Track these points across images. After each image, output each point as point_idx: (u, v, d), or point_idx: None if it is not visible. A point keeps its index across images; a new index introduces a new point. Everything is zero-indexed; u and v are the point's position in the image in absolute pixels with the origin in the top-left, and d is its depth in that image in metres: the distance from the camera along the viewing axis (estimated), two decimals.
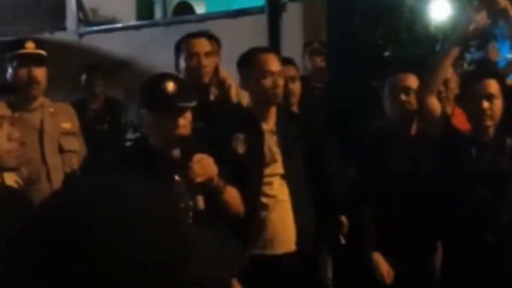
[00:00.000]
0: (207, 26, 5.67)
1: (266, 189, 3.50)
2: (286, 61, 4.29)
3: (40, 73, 3.73)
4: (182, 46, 3.87)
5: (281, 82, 3.58)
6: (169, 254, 0.82)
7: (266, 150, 3.52)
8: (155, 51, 7.00)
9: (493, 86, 3.43)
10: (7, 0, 8.37)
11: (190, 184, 2.93)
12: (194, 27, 5.19)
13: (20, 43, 3.78)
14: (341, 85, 5.48)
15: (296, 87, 4.50)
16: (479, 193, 3.35)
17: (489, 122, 3.41)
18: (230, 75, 3.91)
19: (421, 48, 5.71)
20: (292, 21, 6.60)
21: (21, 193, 2.86)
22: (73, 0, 8.11)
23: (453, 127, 3.65)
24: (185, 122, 2.96)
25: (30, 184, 3.44)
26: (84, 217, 0.85)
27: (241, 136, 3.50)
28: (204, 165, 2.96)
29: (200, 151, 2.99)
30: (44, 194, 3.62)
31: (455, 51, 3.63)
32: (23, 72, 3.71)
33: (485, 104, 3.38)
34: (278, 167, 3.54)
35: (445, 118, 3.69)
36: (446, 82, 3.84)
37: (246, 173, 3.43)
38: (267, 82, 3.51)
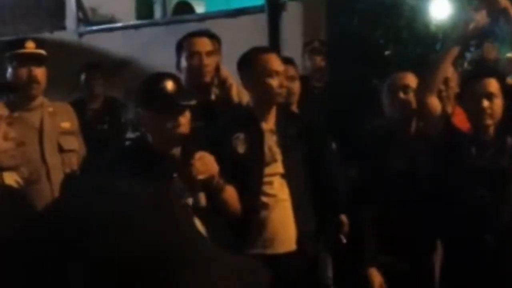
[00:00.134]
0: (207, 25, 5.66)
1: (266, 188, 3.50)
2: (285, 61, 4.29)
3: (40, 72, 3.73)
4: (184, 45, 3.87)
5: (285, 81, 3.60)
6: (168, 256, 0.82)
7: (266, 149, 3.52)
8: (154, 51, 7.00)
9: (493, 85, 3.42)
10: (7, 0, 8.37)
11: (192, 182, 2.94)
12: (193, 27, 5.18)
13: (20, 43, 3.78)
14: (341, 84, 5.48)
15: (295, 86, 4.51)
16: (479, 192, 3.35)
17: (489, 121, 3.40)
18: (231, 74, 3.91)
19: (421, 47, 5.71)
20: (292, 21, 6.60)
21: (21, 192, 2.86)
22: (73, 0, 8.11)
23: (453, 126, 3.64)
24: (185, 121, 2.97)
25: (30, 184, 3.44)
26: (82, 218, 0.85)
27: (241, 135, 3.50)
28: (206, 163, 2.98)
29: (200, 150, 3.00)
30: (44, 194, 3.62)
31: (455, 50, 3.63)
32: (23, 71, 3.70)
33: (485, 103, 3.38)
34: (278, 167, 3.54)
35: (445, 117, 3.68)
36: (446, 81, 3.84)
37: (247, 172, 3.44)
38: (272, 81, 3.52)
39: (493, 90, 3.41)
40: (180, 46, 3.90)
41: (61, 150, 3.78)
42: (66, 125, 3.86)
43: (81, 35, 8.04)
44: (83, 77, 6.21)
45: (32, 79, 3.70)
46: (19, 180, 3.02)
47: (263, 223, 3.49)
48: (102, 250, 0.80)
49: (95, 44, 7.77)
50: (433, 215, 3.54)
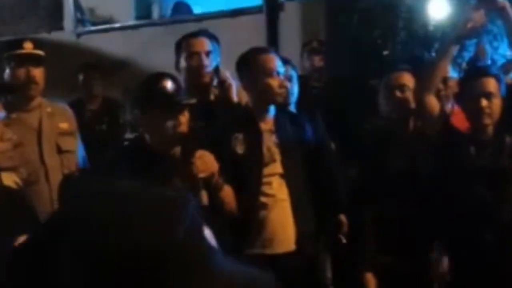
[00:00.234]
0: (205, 25, 5.65)
1: (265, 188, 3.50)
2: (283, 61, 4.29)
3: (38, 73, 3.72)
4: (183, 45, 3.88)
5: (284, 81, 3.62)
6: (167, 259, 0.81)
7: (265, 149, 3.52)
8: (153, 51, 6.99)
9: (491, 84, 3.42)
10: (5, 0, 8.36)
11: (193, 180, 2.95)
12: (191, 27, 5.18)
13: (18, 43, 3.77)
14: (340, 84, 5.48)
15: (293, 86, 4.50)
16: (479, 191, 3.35)
17: (487, 121, 3.40)
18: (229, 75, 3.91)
19: (419, 47, 5.71)
20: (290, 21, 6.59)
21: (19, 193, 2.86)
22: (71, 0, 8.10)
23: (452, 126, 3.64)
24: (184, 120, 2.99)
25: (29, 185, 3.44)
26: (82, 218, 0.84)
27: (240, 136, 3.50)
28: (206, 161, 3.00)
29: (200, 149, 3.01)
30: (43, 195, 3.62)
31: (453, 50, 3.63)
32: (21, 72, 3.70)
33: (484, 102, 3.38)
34: (277, 167, 3.54)
35: (444, 116, 3.68)
36: (445, 81, 3.84)
37: (245, 172, 3.44)
38: (272, 81, 3.52)
39: (492, 89, 3.41)
40: (179, 47, 3.90)
41: (59, 151, 3.78)
42: (64, 125, 3.85)
43: (79, 35, 8.03)
44: (81, 77, 6.20)
45: (30, 80, 3.70)
46: (18, 181, 3.02)
47: (262, 223, 3.49)
48: (102, 250, 0.80)
49: (93, 45, 7.76)
50: (433, 214, 3.54)
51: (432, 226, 3.59)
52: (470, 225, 3.36)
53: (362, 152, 3.96)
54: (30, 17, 8.19)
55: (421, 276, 3.69)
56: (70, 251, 0.81)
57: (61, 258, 0.81)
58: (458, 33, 3.72)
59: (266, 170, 3.51)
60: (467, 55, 5.67)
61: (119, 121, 6.08)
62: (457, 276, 3.46)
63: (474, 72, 3.71)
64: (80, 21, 8.12)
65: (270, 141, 3.55)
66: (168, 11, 7.99)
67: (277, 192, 3.52)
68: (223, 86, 3.85)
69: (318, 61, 5.49)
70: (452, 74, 4.06)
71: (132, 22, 7.97)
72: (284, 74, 3.84)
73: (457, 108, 3.83)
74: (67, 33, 8.06)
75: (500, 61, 5.79)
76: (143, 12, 8.18)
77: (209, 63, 3.82)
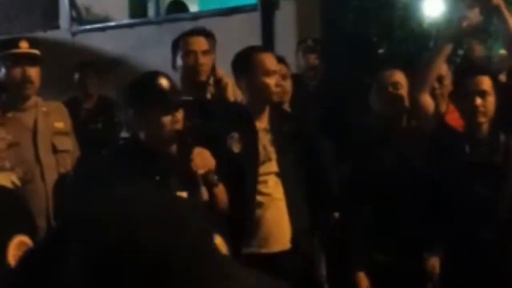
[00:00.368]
0: (200, 24, 5.65)
1: (261, 187, 3.51)
2: (277, 59, 4.30)
3: (34, 72, 3.72)
4: (180, 44, 3.88)
5: (280, 80, 3.63)
6: (173, 265, 0.81)
7: (260, 148, 3.53)
8: (148, 50, 6.98)
9: (486, 82, 3.43)
10: None
11: (192, 176, 2.98)
12: (187, 25, 5.18)
13: (14, 43, 3.77)
14: (335, 82, 5.48)
15: (287, 85, 4.51)
16: (474, 190, 3.35)
17: (482, 119, 3.41)
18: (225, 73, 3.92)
19: (414, 45, 5.72)
20: (285, 19, 6.59)
21: (14, 192, 2.86)
22: None
23: (446, 124, 3.65)
24: (180, 117, 3.00)
25: (24, 184, 3.44)
26: (86, 218, 0.85)
27: (236, 135, 3.51)
28: (204, 158, 3.01)
29: (197, 146, 3.04)
30: (38, 194, 3.62)
31: (448, 48, 3.64)
32: (17, 71, 3.70)
33: (478, 100, 3.39)
34: (273, 166, 3.55)
35: (438, 115, 3.69)
36: (440, 79, 3.85)
37: (242, 171, 3.45)
38: (269, 80, 3.53)
39: (486, 87, 3.42)
40: (176, 45, 3.90)
41: (55, 150, 3.78)
42: (59, 125, 3.85)
43: (74, 34, 8.02)
44: (76, 76, 6.20)
45: (26, 79, 3.69)
46: (16, 180, 3.03)
47: (258, 222, 3.49)
48: (109, 252, 0.80)
49: (88, 43, 7.76)
50: (427, 212, 3.55)
51: (427, 224, 3.60)
52: (466, 223, 3.37)
53: (354, 151, 3.96)
54: (26, 15, 8.17)
55: (416, 275, 3.69)
56: (77, 253, 0.81)
57: (67, 260, 0.81)
58: (453, 32, 3.73)
59: (262, 169, 3.52)
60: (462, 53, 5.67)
61: (115, 120, 6.07)
62: (455, 274, 3.46)
63: (469, 71, 3.72)
64: (75, 20, 8.11)
65: (265, 140, 3.56)
66: (164, 10, 7.98)
67: (273, 191, 3.53)
68: (220, 84, 3.85)
69: (313, 59, 5.49)
70: None
71: (127, 20, 7.97)
72: (279, 73, 3.85)
73: (452, 107, 3.84)
74: (62, 31, 8.05)
75: (495, 59, 5.80)
76: (139, 10, 8.17)
77: (206, 62, 3.82)
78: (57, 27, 8.15)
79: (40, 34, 7.62)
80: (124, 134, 6.04)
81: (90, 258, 0.80)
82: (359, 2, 6.04)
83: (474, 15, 3.64)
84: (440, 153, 3.54)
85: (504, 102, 3.51)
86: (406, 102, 3.74)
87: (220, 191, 3.18)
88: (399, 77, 3.78)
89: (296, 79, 4.87)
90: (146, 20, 7.85)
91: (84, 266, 0.80)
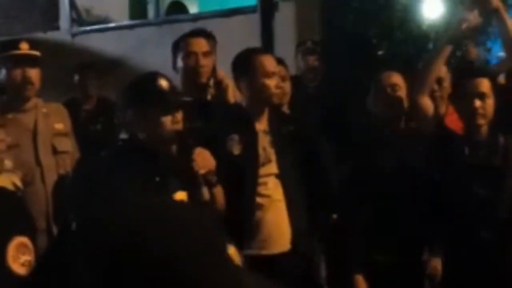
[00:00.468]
0: (200, 25, 5.66)
1: (261, 189, 3.51)
2: (276, 61, 4.30)
3: (34, 73, 3.72)
4: (180, 45, 3.88)
5: (280, 82, 3.64)
6: (182, 274, 0.80)
7: (260, 150, 3.53)
8: (148, 51, 7.00)
9: (485, 84, 3.43)
10: (0, 0, 8.35)
11: (194, 177, 2.99)
12: (187, 27, 5.18)
13: (14, 44, 3.77)
14: (335, 84, 5.48)
15: (286, 87, 4.51)
16: (474, 191, 3.36)
17: (481, 121, 3.41)
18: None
19: (414, 47, 5.73)
20: (285, 21, 6.60)
21: (13, 193, 2.85)
22: (66, 0, 8.10)
23: (446, 127, 3.65)
24: (180, 118, 3.01)
25: (24, 185, 3.43)
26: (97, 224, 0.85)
27: (235, 137, 3.51)
28: (205, 158, 3.03)
29: (197, 147, 3.06)
30: (38, 196, 3.62)
31: (447, 50, 3.65)
32: (17, 72, 3.70)
33: (477, 103, 3.39)
34: (272, 167, 3.55)
35: (438, 117, 3.70)
36: (440, 81, 3.85)
37: (242, 173, 3.45)
38: (269, 82, 3.54)
39: (485, 89, 3.43)
40: (176, 46, 3.90)
41: (55, 151, 3.78)
42: (59, 126, 3.86)
43: (74, 35, 8.03)
44: (76, 77, 6.20)
45: (26, 80, 3.69)
46: (18, 182, 3.02)
47: (258, 224, 3.50)
48: (109, 255, 0.80)
49: (88, 44, 7.76)
50: (426, 213, 3.55)
51: (426, 225, 3.60)
52: (466, 224, 3.37)
53: (354, 151, 3.96)
54: (26, 16, 8.18)
55: (415, 275, 3.70)
56: (90, 257, 0.81)
57: (75, 263, 0.81)
58: (453, 34, 3.74)
59: (262, 171, 3.52)
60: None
61: (114, 121, 6.08)
62: (455, 275, 3.46)
63: (468, 73, 3.72)
64: (75, 21, 8.11)
65: (265, 142, 3.56)
66: (163, 11, 7.99)
67: (272, 193, 3.53)
68: (220, 86, 3.85)
69: (313, 61, 5.49)
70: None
71: (127, 22, 7.98)
72: (279, 75, 3.85)
73: (451, 109, 3.84)
74: (62, 33, 8.06)
75: (494, 61, 5.81)
76: (139, 12, 8.18)
77: (207, 63, 3.83)
78: (57, 28, 8.16)
79: (40, 35, 7.63)
80: (123, 135, 6.05)
81: (97, 266, 0.80)
82: (359, 4, 6.05)
83: (474, 17, 3.64)
84: (440, 155, 3.54)
85: (503, 104, 3.51)
86: (405, 104, 3.75)
87: (218, 191, 3.19)
88: (397, 79, 3.79)
89: (295, 80, 4.87)
90: (146, 21, 7.86)
91: (91, 271, 0.80)
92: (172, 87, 3.07)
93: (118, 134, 5.96)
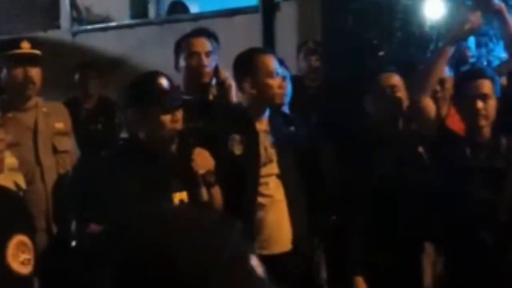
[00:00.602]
0: (201, 25, 5.66)
1: (262, 189, 3.51)
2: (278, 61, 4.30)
3: (35, 73, 3.72)
4: (182, 45, 3.88)
5: (283, 82, 3.64)
6: None
7: (262, 150, 3.53)
8: (149, 50, 6.99)
9: (486, 86, 3.43)
10: None
11: (193, 176, 2.99)
12: (188, 26, 5.17)
13: (16, 43, 3.77)
14: (336, 84, 5.48)
15: (287, 87, 4.50)
16: (475, 193, 3.35)
17: (483, 122, 3.41)
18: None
19: (415, 48, 5.72)
20: (286, 21, 6.59)
21: (13, 192, 2.85)
22: None
23: (447, 128, 3.65)
24: (180, 117, 3.01)
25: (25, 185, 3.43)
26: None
27: (237, 137, 3.51)
28: (204, 158, 3.03)
29: (197, 147, 3.06)
30: (39, 195, 3.62)
31: (450, 51, 3.64)
32: (18, 72, 3.69)
33: (479, 104, 3.38)
34: (274, 167, 3.55)
35: (439, 118, 3.69)
36: (442, 82, 3.84)
37: (243, 173, 3.45)
38: (273, 82, 3.54)
39: (487, 91, 3.42)
40: (179, 46, 3.90)
41: (55, 151, 3.78)
42: (60, 125, 3.86)
43: (75, 34, 8.02)
44: (77, 76, 6.20)
45: (28, 80, 3.69)
46: (21, 182, 3.02)
47: (259, 224, 3.49)
48: (146, 266, 0.79)
49: (89, 44, 7.76)
50: (423, 215, 3.54)
51: (422, 226, 3.59)
52: (466, 226, 3.36)
53: (353, 153, 3.95)
54: (26, 15, 8.18)
55: (415, 275, 3.69)
56: (115, 266, 0.80)
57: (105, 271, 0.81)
58: (455, 34, 3.73)
59: (263, 171, 3.52)
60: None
61: (115, 121, 6.08)
62: (455, 277, 3.46)
63: (469, 74, 3.71)
64: (76, 20, 8.11)
65: (266, 142, 3.56)
66: (164, 11, 7.98)
67: (274, 193, 3.53)
68: (223, 86, 3.85)
69: (314, 61, 5.49)
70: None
71: (128, 21, 7.97)
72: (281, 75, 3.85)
73: (453, 110, 3.83)
74: (63, 31, 8.06)
75: (495, 62, 5.81)
76: (139, 11, 8.17)
77: (209, 63, 3.82)
78: (57, 27, 8.16)
79: (40, 34, 7.62)
80: (124, 135, 6.05)
81: (131, 273, 0.79)
82: (360, 4, 6.05)
83: (476, 18, 3.63)
84: (441, 156, 3.54)
85: (505, 106, 3.51)
86: (404, 105, 3.74)
87: (216, 192, 3.19)
88: (397, 80, 3.78)
89: (296, 81, 4.86)
90: (147, 20, 7.85)
91: (126, 280, 0.79)
92: (172, 86, 3.07)
93: (118, 134, 5.98)
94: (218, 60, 3.95)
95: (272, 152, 3.55)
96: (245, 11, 6.94)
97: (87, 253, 3.02)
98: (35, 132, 3.74)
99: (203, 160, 3.06)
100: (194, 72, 3.80)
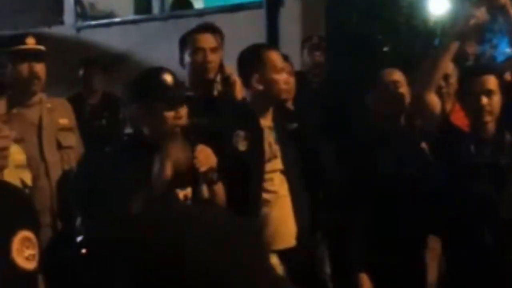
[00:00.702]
0: (205, 20, 5.65)
1: (267, 185, 3.51)
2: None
3: (40, 68, 3.73)
4: (188, 40, 3.88)
5: (289, 78, 3.65)
6: None
7: (266, 146, 3.53)
8: (153, 46, 6.99)
9: (491, 81, 3.42)
10: None
11: (195, 173, 2.98)
12: (192, 22, 5.17)
13: (21, 39, 3.77)
14: (339, 79, 5.47)
15: (291, 82, 4.50)
16: (479, 189, 3.34)
17: (488, 118, 3.40)
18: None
19: (420, 43, 5.70)
20: (290, 16, 6.59)
21: (18, 188, 2.85)
22: None
23: (452, 124, 3.64)
24: (184, 113, 3.01)
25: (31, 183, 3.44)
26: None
27: (241, 133, 3.51)
28: (206, 155, 3.02)
29: (200, 143, 3.05)
30: (43, 191, 3.62)
31: (454, 46, 3.63)
32: (24, 67, 3.70)
33: (484, 100, 3.38)
34: (278, 163, 3.55)
35: (444, 114, 3.68)
36: (446, 78, 3.83)
37: (248, 169, 3.45)
38: (279, 77, 3.54)
39: (492, 86, 3.41)
40: (183, 42, 3.90)
41: (59, 146, 3.79)
42: (64, 121, 3.86)
43: (79, 30, 8.03)
44: (81, 72, 6.20)
45: (33, 75, 3.70)
46: (27, 180, 3.02)
47: (264, 220, 3.49)
48: (170, 270, 0.79)
49: (93, 39, 7.76)
50: (424, 212, 3.54)
51: (424, 224, 3.59)
52: (470, 224, 3.36)
53: (353, 151, 3.94)
54: (30, 11, 8.18)
55: (415, 275, 3.68)
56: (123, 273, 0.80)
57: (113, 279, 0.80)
58: (460, 30, 3.72)
59: (268, 167, 3.52)
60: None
61: (119, 116, 6.08)
62: (455, 275, 3.45)
63: (474, 70, 3.70)
64: (80, 16, 8.11)
65: (271, 138, 3.56)
66: (168, 6, 7.98)
67: (278, 189, 3.53)
68: (228, 82, 3.85)
69: (318, 56, 5.49)
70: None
71: (132, 16, 7.97)
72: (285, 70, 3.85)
73: (457, 106, 3.83)
74: (67, 27, 8.06)
75: (500, 58, 5.79)
76: (143, 6, 8.17)
77: (214, 59, 3.82)
78: (61, 22, 8.16)
79: (44, 29, 7.62)
80: (128, 131, 6.05)
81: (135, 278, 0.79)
82: (364, 0, 6.03)
83: (481, 14, 3.62)
84: (445, 153, 3.53)
85: (510, 101, 3.50)
86: (406, 101, 3.74)
87: (219, 188, 3.19)
88: (399, 76, 3.78)
89: (300, 76, 4.86)
90: (151, 16, 7.85)
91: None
92: (176, 82, 3.07)
93: (122, 129, 5.98)
94: (223, 56, 3.95)
95: (276, 148, 3.55)
96: (249, 6, 6.93)
97: (96, 251, 3.02)
98: (39, 128, 3.74)
99: (205, 157, 3.06)
100: (199, 68, 3.80)
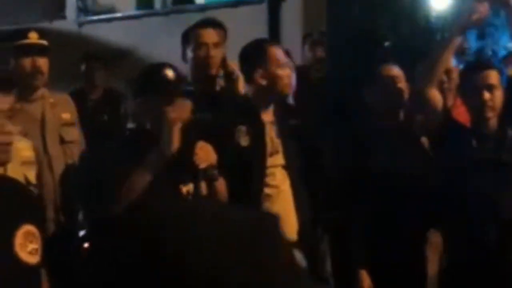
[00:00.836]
0: (207, 15, 5.65)
1: (269, 180, 3.51)
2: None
3: (43, 63, 3.74)
4: (190, 36, 3.88)
5: (291, 73, 3.65)
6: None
7: (268, 141, 3.53)
8: (154, 41, 6.99)
9: (493, 76, 3.42)
10: None
11: (195, 170, 2.99)
12: (194, 17, 5.17)
13: (24, 33, 3.78)
14: (341, 75, 5.47)
15: (293, 78, 4.50)
16: (481, 185, 3.34)
17: (490, 114, 3.39)
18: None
19: (421, 38, 5.70)
20: (292, 11, 6.59)
21: (21, 183, 2.85)
22: None
23: (453, 119, 3.63)
24: (186, 108, 3.01)
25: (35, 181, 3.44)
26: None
27: (243, 128, 3.51)
28: (206, 152, 3.02)
29: (201, 140, 3.05)
30: (46, 186, 3.63)
31: (456, 41, 3.62)
32: (27, 62, 3.71)
33: (486, 95, 3.37)
34: (279, 158, 3.55)
35: (445, 110, 3.68)
36: (448, 73, 3.83)
37: (250, 164, 3.45)
38: (283, 72, 3.54)
39: (493, 81, 3.41)
40: (186, 37, 3.90)
41: (62, 141, 3.80)
42: (66, 116, 3.87)
43: (81, 25, 8.03)
44: (83, 67, 6.20)
45: (36, 70, 3.71)
46: (31, 177, 3.02)
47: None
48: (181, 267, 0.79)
49: (95, 34, 7.76)
50: (424, 207, 3.53)
51: (424, 220, 3.59)
52: (470, 219, 3.35)
53: (353, 148, 3.94)
54: (32, 6, 8.18)
55: (415, 275, 3.68)
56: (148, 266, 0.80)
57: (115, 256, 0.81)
58: (462, 24, 3.72)
59: (270, 161, 3.52)
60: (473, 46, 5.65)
61: (121, 112, 6.08)
62: (455, 275, 3.45)
63: (476, 65, 3.70)
64: (82, 11, 8.11)
65: (272, 133, 3.56)
66: (170, 1, 7.98)
67: (280, 183, 3.53)
68: (231, 77, 3.85)
69: (320, 52, 5.49)
70: None
71: (134, 11, 7.98)
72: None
73: (459, 101, 3.82)
74: (69, 22, 8.06)
75: (502, 53, 5.79)
76: (145, 2, 8.17)
77: (217, 54, 3.82)
78: (63, 17, 8.17)
79: (46, 24, 7.63)
80: (130, 125, 6.06)
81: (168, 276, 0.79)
82: None
83: (483, 8, 3.62)
84: (446, 148, 3.53)
85: (511, 97, 3.49)
86: (405, 96, 3.74)
87: (220, 184, 3.19)
88: (397, 71, 3.78)
89: (300, 71, 4.86)
90: (153, 11, 7.86)
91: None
92: (178, 77, 3.07)
93: (124, 124, 5.98)
94: (225, 51, 3.95)
95: (278, 143, 3.56)
96: (251, 1, 6.94)
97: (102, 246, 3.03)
98: (42, 122, 3.75)
99: (205, 154, 3.06)
100: (201, 63, 3.80)
